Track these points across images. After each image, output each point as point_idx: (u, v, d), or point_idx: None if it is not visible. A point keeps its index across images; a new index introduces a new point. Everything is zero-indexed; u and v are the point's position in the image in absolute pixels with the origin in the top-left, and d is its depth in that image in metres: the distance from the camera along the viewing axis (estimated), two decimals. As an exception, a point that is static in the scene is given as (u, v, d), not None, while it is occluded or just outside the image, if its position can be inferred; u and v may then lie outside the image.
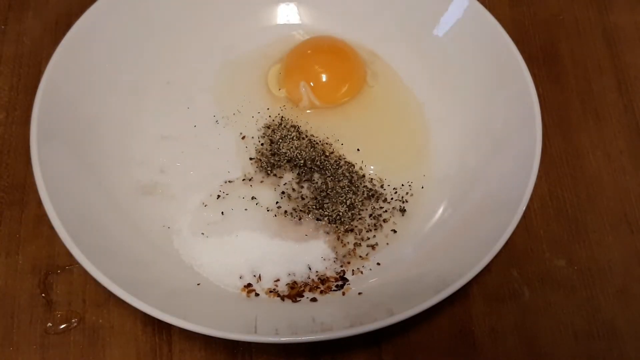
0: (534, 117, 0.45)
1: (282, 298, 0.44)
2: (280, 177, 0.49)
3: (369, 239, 0.47)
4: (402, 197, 0.49)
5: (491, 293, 0.46)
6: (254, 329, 0.39)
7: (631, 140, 0.52)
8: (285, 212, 0.48)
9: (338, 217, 0.47)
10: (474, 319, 0.45)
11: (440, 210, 0.48)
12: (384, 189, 0.49)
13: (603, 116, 0.53)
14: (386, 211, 0.48)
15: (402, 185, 0.50)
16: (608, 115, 0.54)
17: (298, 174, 0.49)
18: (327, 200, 0.48)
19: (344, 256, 0.46)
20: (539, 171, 0.43)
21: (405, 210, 0.48)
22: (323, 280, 0.45)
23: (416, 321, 0.44)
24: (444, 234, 0.46)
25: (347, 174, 0.49)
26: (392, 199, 0.49)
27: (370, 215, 0.48)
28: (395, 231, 0.48)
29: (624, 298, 0.46)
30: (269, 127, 0.51)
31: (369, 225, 0.48)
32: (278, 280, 0.45)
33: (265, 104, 0.53)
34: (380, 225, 0.48)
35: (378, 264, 0.46)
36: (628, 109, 0.54)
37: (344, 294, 0.44)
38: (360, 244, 0.47)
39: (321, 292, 0.44)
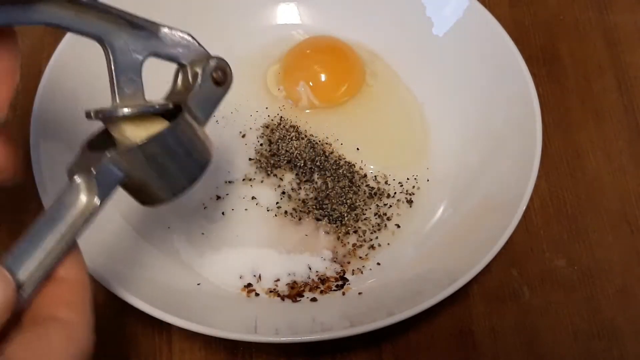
0: (534, 117, 0.45)
1: (282, 298, 0.44)
2: (281, 178, 0.49)
3: (371, 240, 0.47)
4: (408, 191, 0.49)
5: (491, 293, 0.46)
6: (254, 329, 0.39)
7: (631, 141, 0.52)
8: (285, 212, 0.48)
9: (339, 217, 0.47)
10: (474, 318, 0.45)
11: (441, 210, 0.48)
12: (388, 184, 0.49)
13: (603, 116, 0.53)
14: (390, 206, 0.48)
15: (408, 179, 0.50)
16: (608, 115, 0.54)
17: (297, 174, 0.49)
18: (327, 201, 0.48)
19: (344, 256, 0.46)
20: (539, 171, 0.43)
21: (412, 202, 0.48)
22: (323, 280, 0.45)
23: (416, 321, 0.44)
24: (444, 233, 0.46)
25: (348, 174, 0.49)
26: (395, 192, 0.49)
27: (376, 214, 0.48)
28: (399, 226, 0.48)
29: (624, 298, 0.46)
30: (267, 127, 0.51)
31: (373, 227, 0.47)
32: (278, 280, 0.45)
33: (264, 103, 0.53)
34: (385, 225, 0.48)
35: (378, 264, 0.46)
36: (628, 109, 0.54)
37: (344, 294, 0.44)
38: (361, 245, 0.47)
39: (321, 292, 0.44)
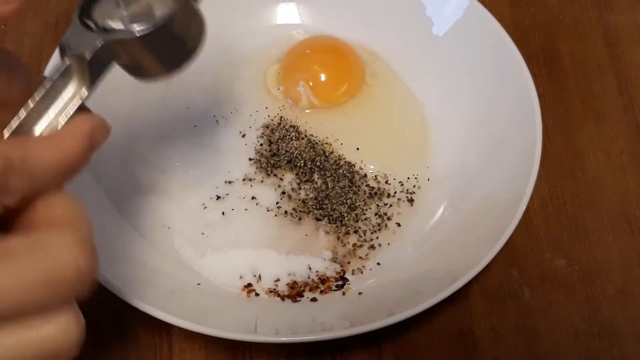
0: (534, 116, 0.45)
1: (282, 298, 0.44)
2: (281, 178, 0.49)
3: (371, 240, 0.47)
4: (409, 190, 0.49)
5: (491, 293, 0.46)
6: (254, 329, 0.39)
7: (631, 140, 0.52)
8: (286, 212, 0.48)
9: (339, 217, 0.47)
10: (474, 318, 0.45)
11: (441, 210, 0.48)
12: (388, 184, 0.49)
13: (603, 116, 0.53)
14: (391, 206, 0.48)
15: (408, 178, 0.50)
16: (608, 115, 0.54)
17: (297, 174, 0.49)
18: (327, 201, 0.48)
19: (344, 256, 0.46)
20: (539, 171, 0.43)
21: (413, 201, 0.49)
22: (323, 280, 0.45)
23: (416, 321, 0.44)
24: (445, 233, 0.46)
25: (348, 174, 0.49)
26: (395, 192, 0.49)
27: (376, 214, 0.48)
28: (399, 224, 0.48)
29: (624, 298, 0.46)
30: (267, 127, 0.51)
31: (373, 226, 0.47)
32: (278, 280, 0.45)
33: (264, 103, 0.53)
34: (385, 225, 0.48)
35: (378, 263, 0.46)
36: (628, 108, 0.54)
37: (344, 293, 0.44)
38: (362, 245, 0.47)
39: (321, 292, 0.44)
